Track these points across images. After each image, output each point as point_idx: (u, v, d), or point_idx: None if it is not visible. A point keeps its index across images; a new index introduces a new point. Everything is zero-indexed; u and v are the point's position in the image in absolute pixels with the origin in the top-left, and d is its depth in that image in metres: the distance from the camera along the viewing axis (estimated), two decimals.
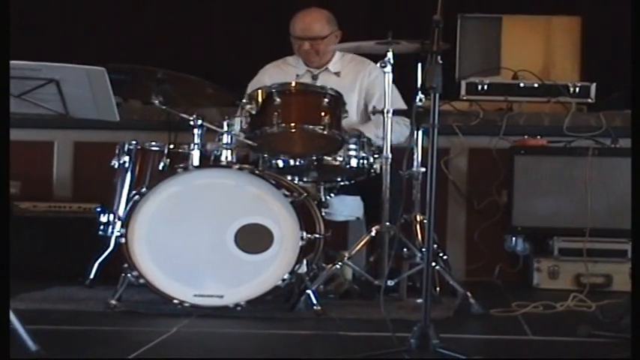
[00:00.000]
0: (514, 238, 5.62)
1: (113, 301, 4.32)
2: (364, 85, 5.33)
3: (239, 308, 4.20)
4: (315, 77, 5.35)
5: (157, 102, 4.48)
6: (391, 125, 4.56)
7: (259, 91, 4.52)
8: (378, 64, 4.60)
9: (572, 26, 6.18)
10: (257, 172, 4.35)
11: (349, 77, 5.35)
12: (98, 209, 4.65)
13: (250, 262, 4.25)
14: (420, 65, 4.39)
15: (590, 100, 5.84)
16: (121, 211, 4.57)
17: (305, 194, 4.43)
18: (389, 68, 4.54)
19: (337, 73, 5.35)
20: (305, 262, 4.32)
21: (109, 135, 5.57)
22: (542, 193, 5.50)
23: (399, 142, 4.89)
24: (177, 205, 4.31)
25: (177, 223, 4.30)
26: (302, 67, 5.39)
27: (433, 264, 4.32)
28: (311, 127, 4.45)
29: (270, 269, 4.25)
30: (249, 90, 5.00)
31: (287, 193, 4.26)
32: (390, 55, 4.53)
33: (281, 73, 5.34)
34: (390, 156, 4.55)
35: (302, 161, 4.62)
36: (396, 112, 4.63)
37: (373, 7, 6.68)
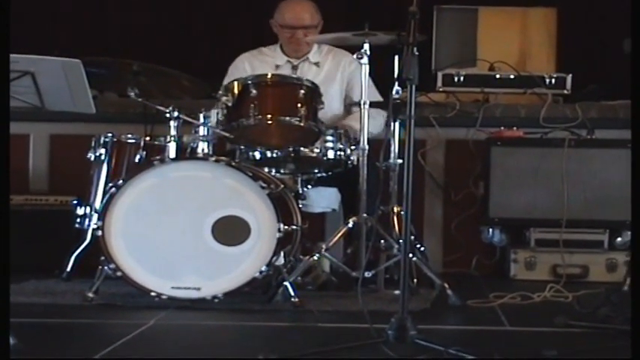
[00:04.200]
0: (491, 230, 5.63)
1: (90, 294, 4.30)
2: (345, 76, 5.31)
3: (216, 300, 4.20)
4: (295, 67, 5.33)
5: (132, 94, 4.48)
6: (368, 117, 4.56)
7: (235, 82, 4.51)
8: (355, 56, 4.59)
9: (548, 18, 6.20)
10: (234, 164, 4.34)
11: (329, 68, 5.33)
12: (74, 202, 4.64)
13: (227, 254, 4.25)
14: (396, 57, 4.39)
15: (566, 92, 5.85)
16: (97, 204, 4.56)
17: (282, 186, 4.43)
18: (365, 60, 4.53)
19: (317, 64, 5.34)
20: (282, 254, 4.32)
21: (85, 127, 5.55)
22: (518, 184, 5.50)
23: (377, 134, 4.90)
24: (153, 197, 4.30)
25: (154, 216, 4.29)
26: (280, 57, 5.36)
27: (410, 255, 4.33)
28: (287, 118, 4.44)
29: (247, 261, 4.25)
30: (226, 81, 4.96)
31: (264, 185, 4.25)
32: (366, 46, 4.52)
33: (258, 63, 5.31)
34: (367, 148, 4.55)
35: (279, 153, 4.61)
36: (372, 105, 4.62)
37: None
